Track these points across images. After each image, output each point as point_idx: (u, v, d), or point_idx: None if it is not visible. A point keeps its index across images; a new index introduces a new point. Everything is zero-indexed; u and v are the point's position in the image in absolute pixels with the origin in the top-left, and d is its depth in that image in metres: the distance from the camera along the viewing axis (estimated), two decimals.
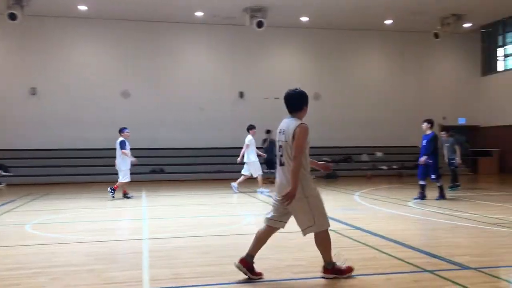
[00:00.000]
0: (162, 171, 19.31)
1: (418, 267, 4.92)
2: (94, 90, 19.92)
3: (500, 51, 22.83)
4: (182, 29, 20.90)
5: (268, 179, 17.21)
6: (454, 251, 5.57)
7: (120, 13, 19.25)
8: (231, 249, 5.86)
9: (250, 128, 13.62)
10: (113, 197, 11.78)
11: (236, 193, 13.08)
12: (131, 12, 19.13)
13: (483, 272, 4.72)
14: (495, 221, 7.81)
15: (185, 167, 19.66)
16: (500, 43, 22.81)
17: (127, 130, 12.26)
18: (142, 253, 5.82)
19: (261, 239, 4.77)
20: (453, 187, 13.31)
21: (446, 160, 13.59)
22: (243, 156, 13.28)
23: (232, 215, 9.46)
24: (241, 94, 21.45)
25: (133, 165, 12.40)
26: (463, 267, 4.92)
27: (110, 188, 11.91)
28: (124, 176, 12.00)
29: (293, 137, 4.42)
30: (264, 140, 17.58)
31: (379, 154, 21.60)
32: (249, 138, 13.45)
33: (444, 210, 9.27)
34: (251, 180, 13.59)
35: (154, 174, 19.05)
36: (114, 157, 12.21)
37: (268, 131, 17.39)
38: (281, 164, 4.59)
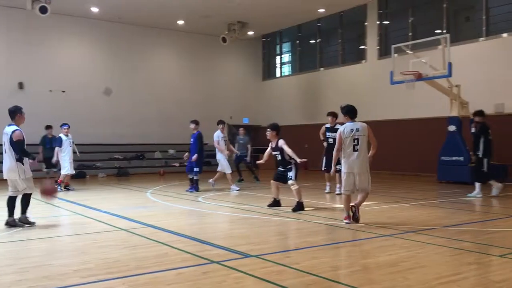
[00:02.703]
0: None
1: (207, 259, 5.21)
2: None
3: (277, 59, 25.63)
4: None
5: (53, 179, 15.79)
6: (238, 241, 6.07)
7: None
8: (5, 259, 5.29)
9: (219, 123, 12.99)
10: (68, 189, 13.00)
11: (213, 188, 12.75)
12: None
13: (262, 258, 5.26)
14: (272, 212, 8.76)
15: None
16: (278, 51, 25.61)
17: (65, 127, 13.21)
18: None
19: (350, 200, 7.38)
20: (240, 180, 14.84)
21: (238, 154, 15.03)
22: (230, 150, 12.91)
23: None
24: (21, 85, 19.33)
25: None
26: (245, 255, 5.40)
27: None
28: (64, 168, 12.98)
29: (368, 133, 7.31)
30: (44, 137, 14.99)
31: (171, 151, 22.01)
32: (217, 134, 12.81)
33: (230, 204, 9.99)
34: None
35: None
36: None
37: (48, 127, 15.07)
38: (356, 150, 7.17)
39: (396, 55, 15.56)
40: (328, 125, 11.65)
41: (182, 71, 23.58)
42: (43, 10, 16.79)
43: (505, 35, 15.76)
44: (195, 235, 6.51)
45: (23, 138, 7.20)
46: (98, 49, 21.39)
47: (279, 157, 8.96)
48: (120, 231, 6.97)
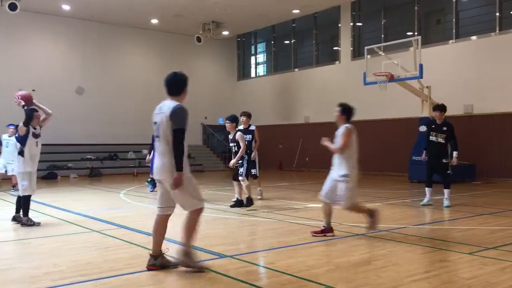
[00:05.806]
0: None
1: None
2: None
3: (252, 59, 25.65)
4: None
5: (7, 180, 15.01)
6: (213, 242, 6.04)
7: None
8: None
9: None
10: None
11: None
12: None
13: (237, 258, 5.25)
14: (247, 212, 8.76)
15: None
16: (253, 52, 25.63)
17: (11, 127, 12.16)
18: None
19: None
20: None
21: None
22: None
23: None
24: None
25: None
26: (220, 255, 5.39)
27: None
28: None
29: None
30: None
31: (145, 151, 21.72)
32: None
33: (204, 204, 9.92)
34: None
35: None
36: None
37: (16, 126, 14.88)
38: None
39: (369, 56, 15.78)
40: (241, 127, 9.82)
41: (155, 70, 23.31)
42: (12, 7, 16.40)
43: (474, 38, 16.16)
44: (169, 237, 6.45)
45: (27, 133, 7.30)
46: (69, 47, 20.99)
47: (234, 149, 9.16)
48: (92, 233, 6.85)
